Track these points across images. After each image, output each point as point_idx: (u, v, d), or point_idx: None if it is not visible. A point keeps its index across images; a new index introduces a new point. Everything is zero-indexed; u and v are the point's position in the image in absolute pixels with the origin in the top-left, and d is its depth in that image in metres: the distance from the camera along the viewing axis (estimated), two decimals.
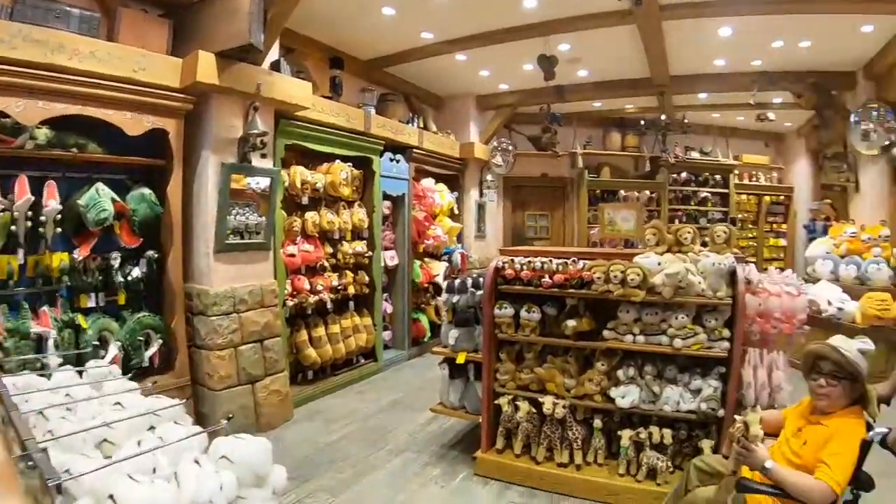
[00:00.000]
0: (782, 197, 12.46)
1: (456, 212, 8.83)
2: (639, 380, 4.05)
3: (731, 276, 3.86)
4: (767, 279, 4.04)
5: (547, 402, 4.09)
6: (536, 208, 11.37)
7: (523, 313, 4.18)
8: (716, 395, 3.84)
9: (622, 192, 10.77)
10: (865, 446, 2.43)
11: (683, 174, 11.20)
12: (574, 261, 4.13)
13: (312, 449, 4.76)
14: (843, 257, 7.69)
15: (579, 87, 9.01)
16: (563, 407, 4.06)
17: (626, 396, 3.99)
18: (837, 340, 2.62)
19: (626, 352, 4.11)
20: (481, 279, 4.39)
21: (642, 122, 10.33)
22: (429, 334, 7.85)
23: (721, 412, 3.78)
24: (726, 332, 3.86)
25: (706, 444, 3.86)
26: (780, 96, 9.24)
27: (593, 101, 10.09)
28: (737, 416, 2.68)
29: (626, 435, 3.99)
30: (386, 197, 7.16)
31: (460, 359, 4.45)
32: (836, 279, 7.60)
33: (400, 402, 5.97)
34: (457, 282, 4.57)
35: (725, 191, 11.61)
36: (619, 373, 4.07)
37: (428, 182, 8.03)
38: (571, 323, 4.07)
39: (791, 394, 3.76)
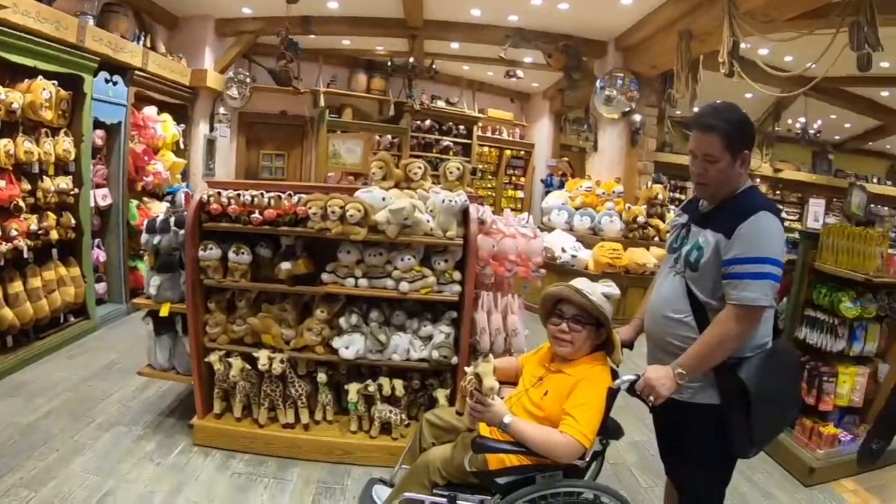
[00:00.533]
0: (523, 152, 13.13)
1: (182, 146, 7.75)
2: (363, 327, 3.70)
3: (464, 216, 3.63)
4: (502, 221, 3.90)
5: (262, 356, 3.58)
6: (273, 147, 10.60)
7: (231, 255, 3.58)
8: (448, 342, 3.62)
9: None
10: (612, 395, 2.30)
11: (427, 122, 11.18)
12: (289, 195, 3.62)
13: (11, 433, 3.82)
14: (577, 209, 8.22)
15: (328, 20, 8.44)
16: (282, 361, 3.59)
17: (351, 346, 3.61)
18: (581, 283, 2.42)
19: (350, 297, 3.74)
20: (186, 216, 3.73)
21: (389, 63, 9.96)
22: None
23: (455, 360, 3.58)
24: (457, 275, 3.65)
25: (441, 394, 3.69)
26: (531, 55, 9.42)
27: (342, 38, 9.58)
28: (467, 369, 2.38)
29: (353, 389, 3.66)
30: (98, 125, 6.00)
31: (164, 311, 3.75)
32: (570, 229, 8.07)
33: (115, 365, 5.10)
34: (158, 220, 3.83)
35: (468, 141, 11.86)
36: (342, 320, 3.68)
37: (150, 111, 6.89)
38: (286, 266, 3.57)
39: (528, 338, 3.70)
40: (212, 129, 8.71)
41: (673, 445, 2.48)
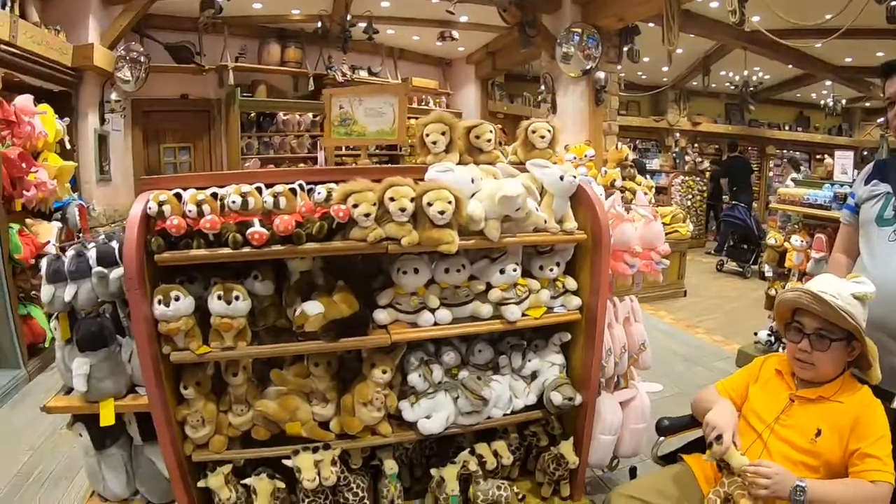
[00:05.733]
0: None
1: (68, 146, 5.46)
2: (446, 381, 2.28)
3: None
4: (613, 200, 2.67)
5: (304, 466, 2.01)
6: (176, 139, 8.49)
7: (215, 303, 1.95)
8: (565, 378, 2.40)
9: (281, 115, 8.68)
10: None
11: None
12: (304, 187, 2.07)
13: None
14: None
15: None
16: (334, 463, 2.05)
17: (435, 414, 2.20)
18: (824, 282, 1.77)
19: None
20: (116, 244, 2.05)
21: (320, 25, 8.10)
22: (50, 335, 4.67)
23: (579, 399, 2.33)
24: (571, 283, 2.34)
25: (566, 448, 2.40)
26: (468, 14, 8.24)
27: (252, 2, 7.74)
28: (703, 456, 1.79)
29: (450, 476, 2.24)
30: None
31: (106, 416, 2.04)
32: None
33: (33, 471, 3.23)
34: (66, 258, 2.07)
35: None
36: (413, 378, 2.22)
37: (25, 101, 4.65)
38: (313, 309, 1.98)
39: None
40: (102, 121, 6.60)
41: None
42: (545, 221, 2.15)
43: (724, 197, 10.71)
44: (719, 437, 1.71)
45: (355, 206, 1.93)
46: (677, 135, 13.94)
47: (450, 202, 1.92)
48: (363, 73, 9.91)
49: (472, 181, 2.08)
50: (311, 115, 8.88)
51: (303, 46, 8.87)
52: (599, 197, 2.25)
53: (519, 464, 2.61)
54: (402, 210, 1.92)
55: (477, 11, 7.91)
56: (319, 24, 7.92)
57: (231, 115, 8.24)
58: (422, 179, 2.09)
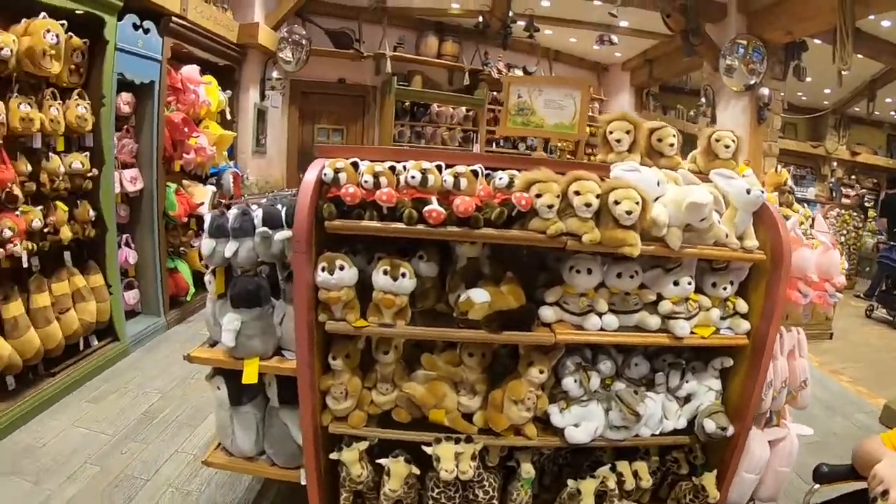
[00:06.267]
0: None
1: (228, 116, 5.87)
2: (601, 391, 2.14)
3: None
4: (794, 223, 2.37)
5: (444, 457, 1.93)
6: (330, 121, 8.77)
7: (380, 278, 1.91)
8: (720, 406, 2.20)
9: (435, 107, 8.74)
10: None
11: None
12: (483, 171, 1.99)
13: None
14: None
15: None
16: (473, 458, 1.97)
17: (584, 423, 2.08)
18: None
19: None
20: (281, 208, 2.07)
21: (480, 20, 8.07)
22: (193, 290, 5.08)
23: (731, 430, 2.16)
24: (742, 305, 2.14)
25: (709, 480, 2.24)
26: (628, 19, 7.95)
27: None
28: None
29: (588, 490, 2.12)
30: (125, 86, 4.24)
31: (249, 374, 2.08)
32: None
33: (158, 414, 3.42)
34: (230, 216, 2.13)
35: None
36: (568, 382, 2.10)
37: (191, 70, 5.05)
38: (480, 297, 1.91)
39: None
40: (263, 96, 6.92)
41: None
42: (726, 236, 1.98)
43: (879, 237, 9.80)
44: (885, 493, 1.53)
45: (538, 195, 1.84)
46: (834, 164, 12.65)
47: (637, 202, 1.80)
48: (518, 72, 9.72)
49: (658, 184, 1.95)
50: (464, 108, 8.94)
51: (460, 41, 8.92)
52: (783, 217, 2.05)
53: (652, 489, 2.42)
54: (588, 205, 1.82)
55: (638, 16, 7.64)
56: (480, 19, 7.88)
57: (386, 103, 8.42)
58: (604, 177, 1.97)
